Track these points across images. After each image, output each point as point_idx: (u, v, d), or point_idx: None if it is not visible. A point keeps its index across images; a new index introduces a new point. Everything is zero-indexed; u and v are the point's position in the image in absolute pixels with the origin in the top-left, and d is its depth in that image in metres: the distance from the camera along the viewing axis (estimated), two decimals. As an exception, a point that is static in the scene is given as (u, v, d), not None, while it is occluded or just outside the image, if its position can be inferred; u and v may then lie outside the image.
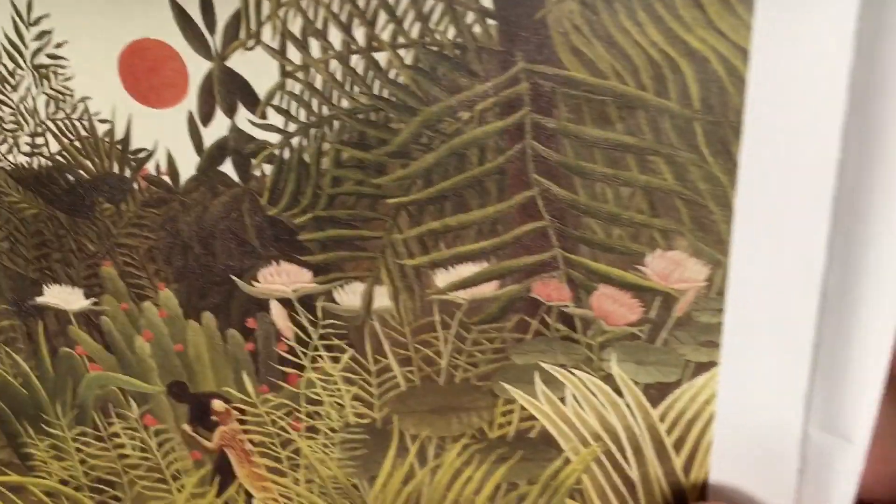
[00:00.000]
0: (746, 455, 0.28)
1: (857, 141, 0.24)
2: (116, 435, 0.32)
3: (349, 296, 0.29)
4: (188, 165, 0.28)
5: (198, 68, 0.27)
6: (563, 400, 0.29)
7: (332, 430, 0.31)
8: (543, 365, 0.29)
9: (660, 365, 0.28)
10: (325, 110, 0.27)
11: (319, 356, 0.30)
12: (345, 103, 0.26)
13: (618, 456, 0.29)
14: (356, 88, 0.26)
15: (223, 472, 0.32)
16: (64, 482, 0.33)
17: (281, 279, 0.29)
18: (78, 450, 0.33)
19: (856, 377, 0.26)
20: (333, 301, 0.29)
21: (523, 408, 0.29)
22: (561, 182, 0.26)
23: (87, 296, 0.30)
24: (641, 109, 0.24)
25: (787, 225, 0.25)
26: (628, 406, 0.29)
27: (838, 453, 0.27)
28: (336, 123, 0.27)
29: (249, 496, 0.33)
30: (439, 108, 0.26)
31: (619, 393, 0.28)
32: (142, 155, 0.28)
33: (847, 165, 0.24)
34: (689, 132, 0.24)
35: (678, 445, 0.29)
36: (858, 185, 0.24)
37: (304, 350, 0.30)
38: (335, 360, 0.30)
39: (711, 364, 0.27)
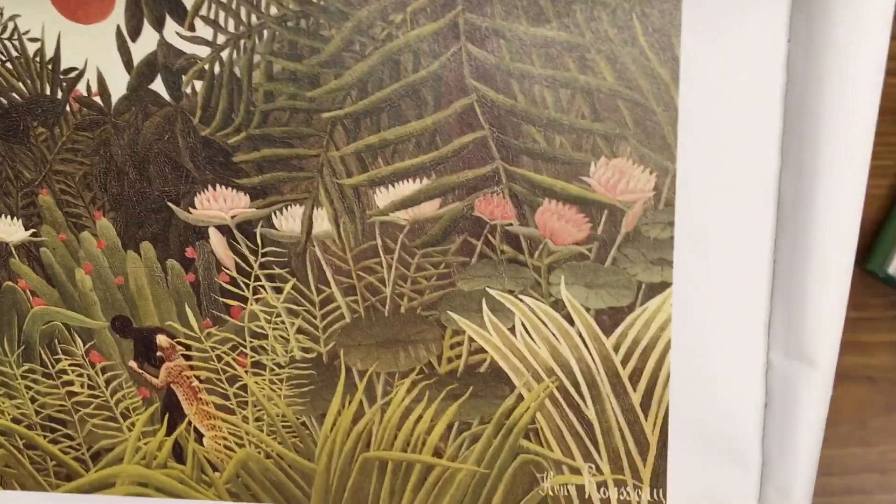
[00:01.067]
0: (707, 389, 0.26)
1: (806, 32, 0.22)
2: (64, 372, 0.32)
3: (288, 220, 0.28)
4: (119, 85, 0.27)
5: (124, -21, 0.26)
6: (512, 330, 0.27)
7: (279, 366, 0.30)
8: (490, 291, 0.27)
9: (610, 287, 0.26)
10: (255, 19, 0.25)
11: (262, 287, 0.29)
12: (274, 10, 0.25)
13: (572, 392, 0.28)
14: (284, -6, 0.25)
15: (172, 410, 0.31)
16: (16, 420, 0.33)
17: (218, 204, 0.28)
18: (28, 387, 0.32)
19: (817, 294, 0.24)
20: (273, 227, 0.28)
21: (472, 340, 0.28)
22: (499, 87, 0.24)
23: (27, 227, 0.30)
24: (578, 3, 0.23)
25: (736, 126, 0.23)
26: (580, 335, 0.27)
27: (803, 380, 0.25)
28: (266, 33, 0.26)
29: (200, 435, 0.32)
30: (370, 11, 0.24)
31: (571, 321, 0.27)
32: (73, 75, 0.27)
33: (796, 58, 0.22)
34: (627, 26, 0.23)
35: (634, 378, 0.27)
36: (807, 78, 0.22)
37: (246, 281, 0.29)
38: (278, 290, 0.29)
39: (664, 285, 0.25)
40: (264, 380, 0.30)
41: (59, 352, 0.31)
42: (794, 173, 0.23)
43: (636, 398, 0.27)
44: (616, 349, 0.27)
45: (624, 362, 0.27)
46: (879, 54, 0.21)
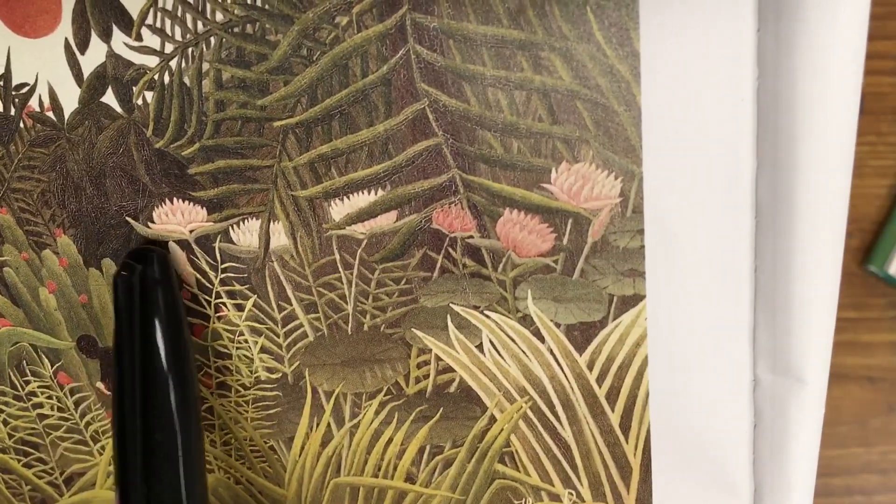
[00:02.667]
0: (690, 409, 0.24)
1: (776, 19, 0.20)
2: (34, 394, 0.31)
3: (246, 235, 0.26)
4: (71, 99, 0.26)
5: (71, -10, 0.25)
6: (480, 348, 0.26)
7: (244, 387, 0.29)
8: (455, 307, 0.25)
9: (580, 301, 0.24)
10: (201, 26, 0.24)
11: (223, 304, 0.28)
12: (220, 16, 0.24)
13: (547, 412, 0.26)
14: (228, -1, 0.24)
15: (140, 436, 0.30)
16: (-10, 447, 0.32)
17: (176, 218, 0.27)
18: (-1, 411, 0.32)
19: (803, 304, 0.22)
20: (231, 241, 0.27)
21: (439, 358, 0.26)
22: (450, 91, 0.23)
23: (-10, 245, 0.29)
24: (528, -3, 0.21)
25: (705, 125, 0.21)
26: (551, 352, 0.25)
27: (793, 398, 0.23)
28: (213, 40, 0.24)
29: (169, 462, 0.31)
30: (315, 14, 0.23)
31: (541, 338, 0.25)
32: (24, 90, 0.27)
33: (767, 48, 0.20)
34: (581, 19, 0.21)
35: (611, 397, 0.25)
36: (780, 69, 0.20)
37: (207, 298, 0.28)
38: (239, 308, 0.27)
39: (637, 298, 0.24)
40: (230, 402, 0.29)
41: (29, 373, 0.31)
42: (770, 173, 0.21)
43: (615, 419, 0.25)
44: (590, 367, 0.25)
45: (599, 380, 0.25)
46: (857, 41, 0.19)
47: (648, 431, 0.25)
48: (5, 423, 0.32)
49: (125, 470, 0.26)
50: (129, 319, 0.25)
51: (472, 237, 0.24)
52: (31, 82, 0.26)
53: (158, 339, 0.25)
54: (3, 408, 0.32)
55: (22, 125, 0.27)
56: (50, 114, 0.27)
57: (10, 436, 0.32)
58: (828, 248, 0.21)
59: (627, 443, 0.25)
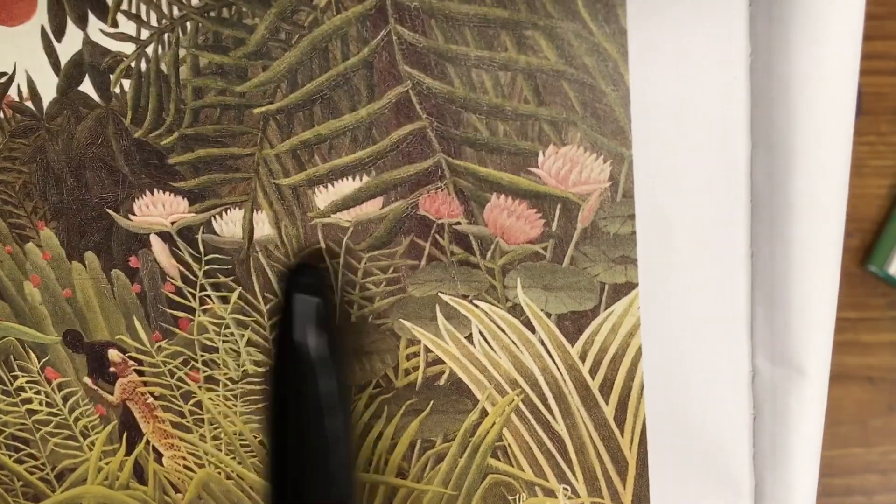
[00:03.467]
0: (686, 400, 0.24)
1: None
2: (23, 389, 0.30)
3: (229, 225, 0.26)
4: (49, 88, 0.26)
5: (45, -24, 0.24)
6: (470, 338, 0.25)
7: (232, 381, 0.28)
8: (444, 297, 0.25)
9: (570, 290, 0.23)
10: (177, 11, 0.24)
11: (208, 297, 0.27)
12: (195, 1, 0.23)
13: (539, 405, 0.25)
14: (204, -18, 0.23)
15: (129, 429, 0.30)
16: (-20, 442, 0.32)
17: (157, 210, 0.26)
18: (-13, 407, 0.31)
19: (802, 291, 0.21)
20: (214, 232, 0.26)
21: (429, 350, 0.26)
22: (433, 72, 0.22)
23: (-27, 239, 0.29)
24: (511, -27, 0.20)
25: (697, 105, 0.20)
26: (542, 343, 0.24)
27: (794, 389, 0.22)
28: (189, 25, 0.24)
29: (160, 455, 0.30)
30: (293, -4, 0.22)
31: (531, 328, 0.24)
32: (3, 80, 0.26)
33: (760, 23, 0.19)
34: (566, -5, 0.20)
35: (605, 389, 0.24)
36: (773, 45, 0.19)
37: (192, 290, 0.27)
38: (224, 300, 0.27)
39: (630, 286, 0.23)
40: (219, 396, 0.28)
41: (16, 368, 0.30)
42: (766, 153, 0.20)
43: (609, 411, 0.24)
44: (582, 358, 0.24)
45: (592, 372, 0.24)
46: (854, 10, 0.18)
47: (644, 424, 0.24)
48: (-6, 418, 0.31)
49: (282, 468, 0.25)
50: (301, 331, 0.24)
51: (459, 223, 0.24)
52: (10, 71, 0.26)
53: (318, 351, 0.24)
54: (-8, 403, 0.31)
55: (2, 115, 0.27)
56: (29, 103, 0.26)
57: (1, 431, 0.32)
58: (827, 233, 0.20)
59: (623, 436, 0.25)
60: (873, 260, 0.29)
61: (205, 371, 0.28)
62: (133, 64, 0.25)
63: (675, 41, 0.20)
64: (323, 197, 0.25)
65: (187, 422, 0.29)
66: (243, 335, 0.27)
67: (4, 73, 0.26)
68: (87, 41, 0.25)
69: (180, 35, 0.24)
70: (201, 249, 0.26)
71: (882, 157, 0.27)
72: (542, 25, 0.21)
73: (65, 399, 0.30)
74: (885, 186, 0.27)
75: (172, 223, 0.26)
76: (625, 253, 0.22)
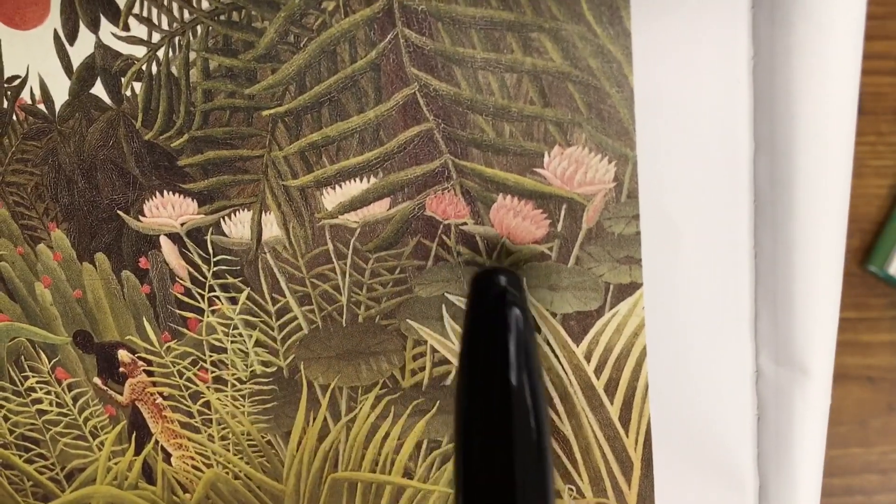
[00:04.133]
0: (691, 401, 0.24)
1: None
2: (33, 389, 0.31)
3: (238, 226, 0.26)
4: (61, 90, 0.26)
5: (58, -20, 0.25)
6: (476, 338, 0.25)
7: (240, 381, 0.28)
8: (450, 297, 0.25)
9: (576, 290, 0.23)
10: (187, 15, 0.24)
11: (216, 297, 0.27)
12: (205, 4, 0.24)
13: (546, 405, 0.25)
14: (215, -14, 0.24)
15: (138, 429, 0.30)
16: (-9, 443, 0.32)
17: (167, 211, 0.27)
18: (-1, 407, 0.31)
19: (805, 291, 0.21)
20: (223, 234, 0.26)
21: (435, 350, 0.26)
22: (440, 74, 0.22)
23: (-15, 240, 0.29)
24: (516, -24, 0.21)
25: (700, 106, 0.20)
26: (548, 343, 0.24)
27: (797, 389, 0.22)
28: (199, 29, 0.24)
29: (168, 455, 0.30)
30: (301, 0, 0.23)
31: (537, 328, 0.24)
32: (16, 83, 0.26)
33: (762, 26, 0.19)
34: (571, -2, 0.20)
35: (610, 389, 0.24)
36: (775, 47, 0.19)
37: (201, 291, 0.27)
38: (233, 301, 0.27)
39: (634, 286, 0.23)
40: (227, 396, 0.29)
41: (27, 369, 0.30)
42: (768, 155, 0.20)
43: (614, 411, 0.25)
44: (588, 358, 0.24)
45: (597, 372, 0.24)
46: (856, 13, 0.18)
47: (649, 424, 0.24)
48: (6, 418, 0.32)
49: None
50: (491, 337, 0.22)
51: (465, 224, 0.24)
52: (23, 74, 0.26)
53: (514, 357, 0.22)
54: (3, 403, 0.31)
55: (14, 118, 0.27)
56: (41, 106, 0.27)
57: (11, 431, 0.32)
58: (829, 233, 0.20)
59: (627, 436, 0.25)
60: (873, 260, 0.29)
61: (213, 371, 0.28)
62: (144, 67, 0.25)
63: (678, 43, 0.20)
64: (331, 198, 0.25)
65: (196, 422, 0.29)
66: (251, 336, 0.27)
67: (17, 77, 0.26)
68: (99, 44, 0.25)
69: (191, 38, 0.24)
70: (210, 250, 0.27)
71: (882, 157, 0.27)
72: (547, 28, 0.21)
73: (75, 399, 0.31)
74: (885, 186, 0.27)
75: (182, 224, 0.27)
76: (629, 253, 0.22)
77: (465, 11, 0.21)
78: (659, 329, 0.23)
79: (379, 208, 0.24)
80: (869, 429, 0.22)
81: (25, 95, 0.27)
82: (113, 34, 0.25)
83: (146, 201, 0.27)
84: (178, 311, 0.28)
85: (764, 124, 0.20)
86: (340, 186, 0.25)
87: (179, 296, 0.28)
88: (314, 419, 0.28)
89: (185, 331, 0.28)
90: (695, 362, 0.23)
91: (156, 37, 0.25)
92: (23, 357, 0.30)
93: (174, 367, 0.29)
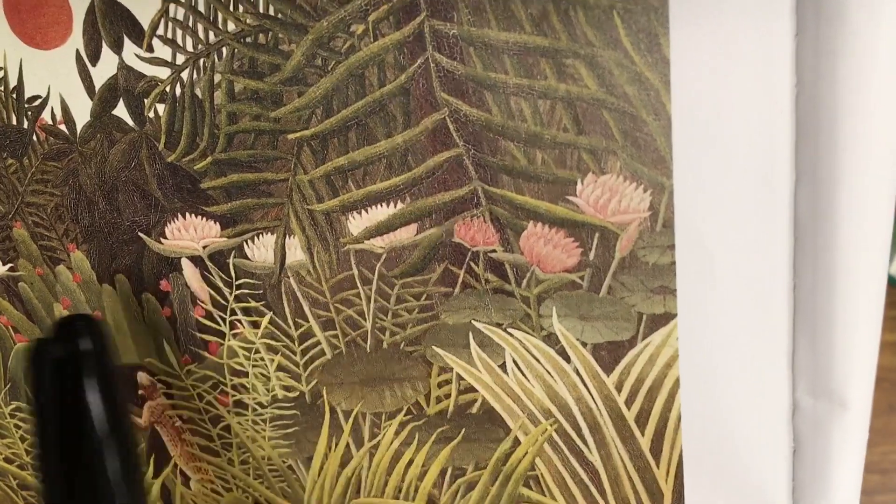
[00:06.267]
0: (725, 433, 0.23)
1: (815, 23, 0.19)
2: (50, 413, 0.30)
3: (261, 250, 0.26)
4: (83, 111, 0.26)
5: (81, 3, 0.24)
6: (503, 367, 0.25)
7: (261, 405, 0.28)
8: (477, 324, 0.24)
9: (607, 319, 0.23)
10: (212, 36, 0.24)
11: (238, 321, 0.27)
12: (231, 26, 0.23)
13: (573, 435, 0.25)
14: (241, 8, 0.23)
15: (157, 452, 0.30)
16: (8, 460, 0.32)
17: (189, 234, 0.26)
18: (17, 426, 0.31)
19: (845, 324, 0.21)
20: (245, 257, 0.26)
21: (461, 378, 0.25)
22: (471, 100, 0.22)
23: (4, 261, 0.29)
24: (551, 2, 0.20)
25: (740, 135, 0.20)
26: (577, 373, 0.24)
27: (835, 423, 0.22)
28: (225, 51, 0.24)
29: (187, 478, 0.30)
30: (330, 23, 0.22)
31: (566, 357, 0.24)
32: (37, 103, 0.26)
33: (806, 54, 0.19)
34: (608, 25, 0.20)
35: (641, 420, 0.24)
36: (820, 76, 0.19)
37: (222, 315, 0.27)
38: (255, 325, 0.27)
39: (668, 316, 0.22)
40: (247, 420, 0.28)
41: (44, 390, 0.30)
42: (810, 186, 0.20)
43: (645, 443, 0.24)
44: (618, 388, 0.24)
45: (628, 403, 0.24)
46: (904, 44, 0.18)
47: (681, 457, 0.24)
48: (23, 439, 0.31)
49: None
50: (61, 393, 0.22)
51: (494, 251, 0.23)
52: (44, 95, 0.26)
53: (94, 408, 0.22)
54: (21, 424, 0.31)
55: (35, 138, 0.27)
56: (62, 127, 0.26)
57: (27, 451, 0.32)
58: (872, 266, 0.20)
59: (658, 468, 0.24)
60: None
61: (234, 395, 0.28)
62: (168, 89, 0.25)
63: (718, 71, 0.19)
64: (356, 223, 0.24)
65: (215, 445, 0.29)
66: (273, 360, 0.27)
67: (38, 97, 0.26)
68: (122, 65, 0.25)
69: (216, 60, 0.24)
70: (233, 274, 0.26)
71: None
72: (582, 54, 0.20)
73: (92, 421, 0.30)
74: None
75: (204, 247, 0.26)
76: (664, 283, 0.22)
77: (498, 36, 0.21)
78: (693, 360, 0.22)
79: (406, 234, 0.24)
80: (869, 429, 0.22)
81: (46, 116, 0.26)
82: (136, 55, 0.24)
83: (168, 223, 0.26)
84: (198, 335, 0.27)
85: (807, 155, 0.20)
86: (367, 211, 0.24)
87: (200, 319, 0.27)
88: (336, 445, 0.27)
89: (205, 354, 0.28)
90: (730, 395, 0.23)
91: (180, 58, 0.24)
92: (40, 378, 0.30)
93: (194, 390, 0.28)
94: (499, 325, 0.24)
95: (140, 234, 0.27)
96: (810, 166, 0.20)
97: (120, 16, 0.24)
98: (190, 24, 0.24)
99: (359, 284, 0.25)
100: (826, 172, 0.19)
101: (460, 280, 0.24)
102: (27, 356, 0.23)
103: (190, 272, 0.27)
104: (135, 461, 0.23)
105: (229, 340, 0.27)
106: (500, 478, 0.26)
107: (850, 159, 0.19)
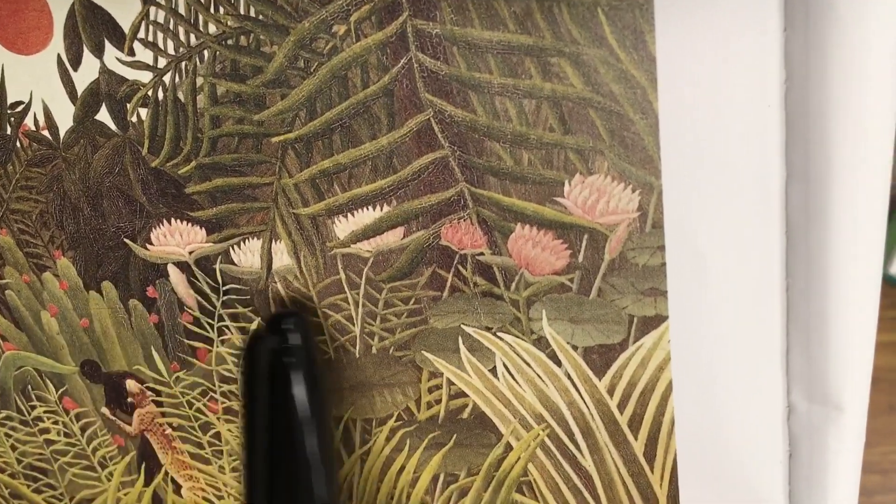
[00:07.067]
0: (719, 437, 0.23)
1: (804, 18, 0.18)
2: (40, 419, 0.30)
3: (247, 255, 0.25)
4: (65, 117, 0.25)
5: (61, 7, 0.24)
6: (493, 371, 0.24)
7: (250, 413, 0.27)
8: (466, 328, 0.24)
9: (598, 322, 0.23)
10: (194, 39, 0.23)
11: (226, 327, 0.26)
12: (212, 28, 0.23)
13: (566, 440, 0.24)
14: (221, 10, 0.23)
15: (148, 460, 0.29)
16: (0, 469, 0.31)
17: (175, 239, 0.26)
18: (7, 435, 0.31)
19: (840, 324, 0.20)
20: (232, 262, 0.26)
21: (451, 382, 0.25)
22: (456, 100, 0.22)
23: (-10, 268, 0.28)
24: (534, 0, 0.20)
25: (729, 133, 0.19)
26: (569, 377, 0.24)
27: (831, 427, 0.21)
28: (207, 53, 0.23)
29: (178, 486, 0.30)
30: (312, 23, 0.22)
31: (557, 361, 0.24)
32: (19, 109, 0.26)
33: (796, 49, 0.18)
34: (593, 22, 0.20)
35: (634, 425, 0.23)
36: (810, 72, 0.18)
37: (210, 321, 0.27)
38: (243, 331, 0.26)
39: (660, 318, 0.22)
40: (238, 427, 0.28)
41: (34, 398, 0.30)
42: (802, 184, 0.19)
43: (638, 447, 0.24)
44: (611, 392, 0.23)
45: (621, 407, 0.23)
46: (894, 39, 0.17)
47: (675, 461, 0.23)
48: (13, 448, 0.31)
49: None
50: (271, 380, 0.25)
51: (482, 254, 0.23)
52: (26, 100, 0.26)
53: (298, 396, 0.24)
54: (11, 433, 0.31)
55: (18, 144, 0.26)
56: (45, 132, 0.26)
57: (19, 461, 0.31)
58: (866, 265, 0.19)
59: (653, 473, 0.24)
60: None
61: (223, 402, 0.28)
62: (150, 93, 0.24)
63: (705, 68, 0.19)
64: (342, 227, 0.24)
65: (206, 453, 0.29)
66: (262, 366, 0.27)
67: (21, 102, 0.26)
68: (104, 70, 0.24)
69: (197, 63, 0.23)
70: (219, 279, 0.26)
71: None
72: (567, 52, 0.20)
73: (83, 429, 0.30)
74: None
75: (190, 253, 0.26)
76: (654, 285, 0.22)
77: (482, 35, 0.21)
78: (686, 363, 0.22)
79: (393, 237, 0.24)
80: (869, 429, 0.21)
81: (29, 122, 0.26)
82: (118, 59, 0.24)
83: (153, 229, 0.26)
84: (186, 341, 0.27)
85: (798, 151, 0.19)
86: (353, 215, 0.24)
87: (188, 325, 0.27)
88: (327, 451, 0.27)
89: (194, 361, 0.27)
90: (723, 398, 0.22)
91: (162, 62, 0.24)
92: (30, 386, 0.30)
93: (183, 397, 0.28)
94: (488, 329, 0.24)
95: (126, 240, 0.26)
96: (802, 163, 0.19)
97: (100, 19, 0.24)
98: (171, 26, 0.23)
99: (346, 289, 0.25)
100: (818, 169, 0.19)
101: (449, 284, 0.24)
102: (246, 345, 0.25)
103: (176, 278, 0.26)
104: (329, 441, 0.25)
105: (218, 347, 0.27)
106: (493, 483, 0.26)
107: (842, 155, 0.19)
